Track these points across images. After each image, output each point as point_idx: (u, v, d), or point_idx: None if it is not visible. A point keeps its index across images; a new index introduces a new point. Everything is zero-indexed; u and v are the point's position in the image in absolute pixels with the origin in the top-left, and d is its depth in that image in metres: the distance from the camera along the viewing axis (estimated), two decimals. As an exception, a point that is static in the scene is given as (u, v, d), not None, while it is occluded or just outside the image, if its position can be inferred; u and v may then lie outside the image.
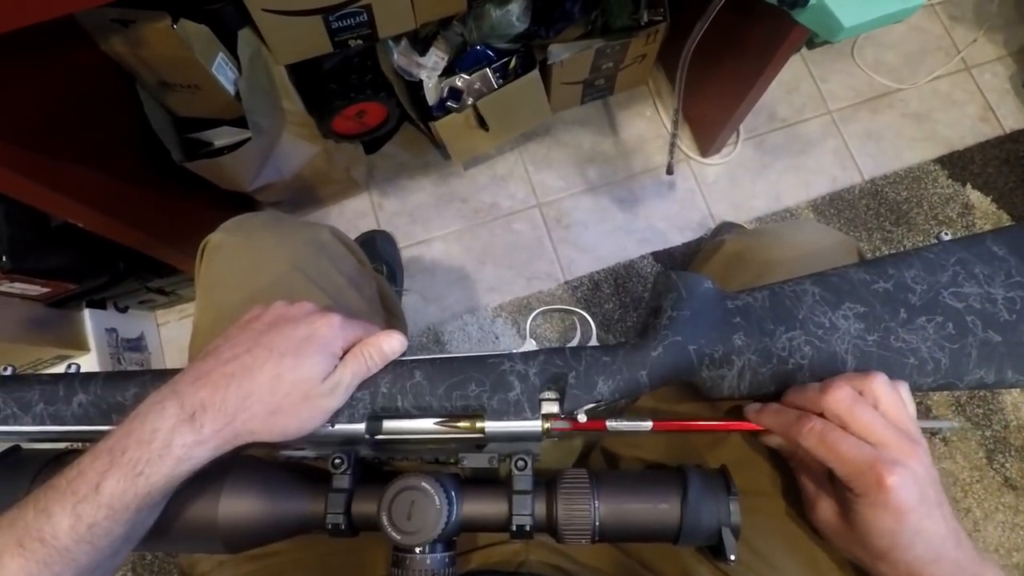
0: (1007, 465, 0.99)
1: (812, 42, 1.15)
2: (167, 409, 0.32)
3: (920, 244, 1.10)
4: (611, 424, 0.37)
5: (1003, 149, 1.15)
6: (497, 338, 1.05)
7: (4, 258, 0.71)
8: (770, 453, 0.43)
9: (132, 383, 0.39)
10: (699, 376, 0.39)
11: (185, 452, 0.32)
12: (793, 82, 1.19)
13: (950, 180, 1.13)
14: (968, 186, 1.13)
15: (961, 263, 0.39)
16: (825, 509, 0.36)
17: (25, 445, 0.39)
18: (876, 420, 0.33)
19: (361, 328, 0.38)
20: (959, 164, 1.14)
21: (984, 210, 1.12)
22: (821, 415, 0.35)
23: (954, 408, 1.02)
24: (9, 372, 0.41)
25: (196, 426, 0.32)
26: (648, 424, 0.38)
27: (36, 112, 0.62)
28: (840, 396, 0.34)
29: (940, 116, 1.18)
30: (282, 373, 0.34)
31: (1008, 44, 1.21)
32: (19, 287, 0.77)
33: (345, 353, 0.37)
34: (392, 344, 0.38)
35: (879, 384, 0.35)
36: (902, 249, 1.10)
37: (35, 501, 0.30)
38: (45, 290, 0.80)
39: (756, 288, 0.40)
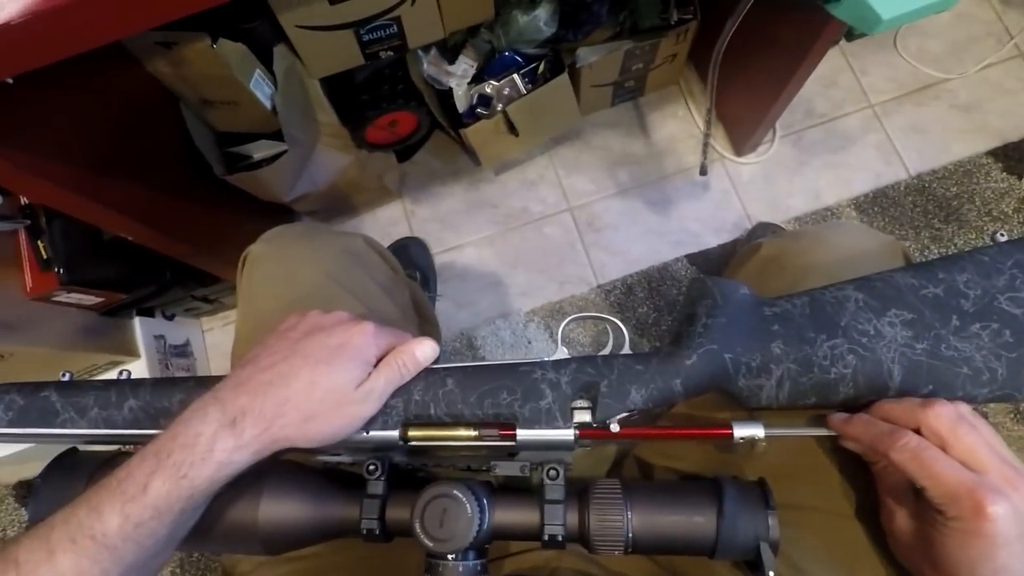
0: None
1: (851, 33, 1.11)
2: (209, 415, 0.33)
3: (972, 242, 1.06)
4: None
5: (1062, 139, 1.10)
6: (530, 343, 1.05)
7: (62, 271, 0.76)
8: (813, 465, 0.42)
9: (178, 389, 0.40)
10: (736, 385, 0.37)
11: (226, 456, 0.33)
12: (831, 76, 1.16)
13: (1004, 173, 1.08)
14: (1024, 179, 1.08)
15: (1018, 266, 0.37)
16: (902, 519, 0.35)
17: (81, 447, 0.41)
18: (981, 444, 0.32)
19: (394, 336, 0.39)
20: (1014, 156, 1.09)
21: (1042, 205, 1.06)
22: (916, 431, 0.33)
23: (1012, 416, 0.97)
24: (67, 378, 0.43)
25: (237, 431, 0.33)
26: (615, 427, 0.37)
27: (88, 133, 0.66)
28: (944, 412, 0.33)
29: (991, 106, 1.12)
30: (317, 380, 0.35)
31: (1065, 28, 1.15)
32: (75, 297, 0.81)
33: (379, 361, 0.38)
34: (425, 351, 0.38)
35: (966, 410, 0.33)
36: (953, 248, 1.05)
37: (87, 500, 0.31)
38: (98, 300, 0.84)
39: (795, 294, 0.39)
